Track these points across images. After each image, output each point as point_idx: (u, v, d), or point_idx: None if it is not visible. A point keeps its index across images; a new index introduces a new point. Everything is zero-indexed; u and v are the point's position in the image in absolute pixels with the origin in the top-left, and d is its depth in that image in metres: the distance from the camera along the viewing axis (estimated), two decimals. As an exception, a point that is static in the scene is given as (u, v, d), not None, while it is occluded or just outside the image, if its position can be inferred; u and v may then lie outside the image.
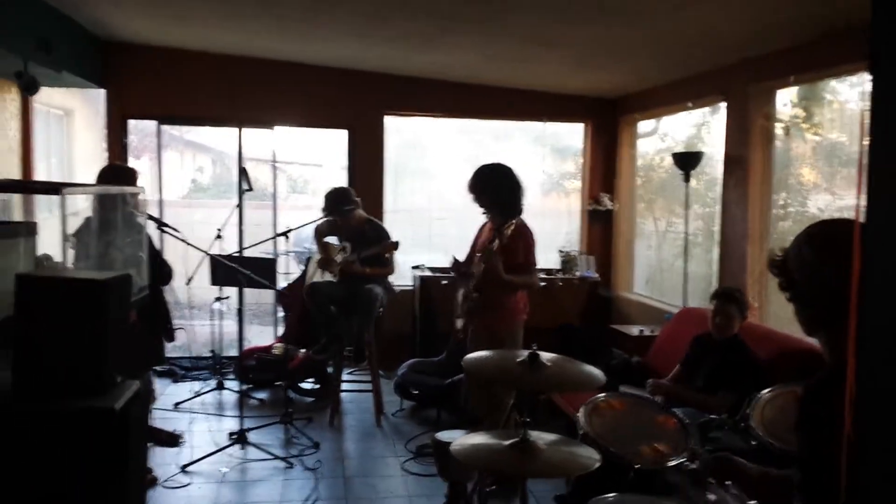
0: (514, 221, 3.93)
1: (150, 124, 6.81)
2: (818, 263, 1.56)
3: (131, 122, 6.57)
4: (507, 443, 2.27)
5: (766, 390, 2.82)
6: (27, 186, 3.70)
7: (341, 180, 6.63)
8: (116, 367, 2.10)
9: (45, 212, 4.95)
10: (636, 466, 2.61)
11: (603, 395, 2.97)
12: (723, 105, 5.26)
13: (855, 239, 0.97)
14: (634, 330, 5.72)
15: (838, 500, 1.06)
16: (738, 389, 3.56)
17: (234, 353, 6.04)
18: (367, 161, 6.69)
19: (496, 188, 4.08)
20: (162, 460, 4.44)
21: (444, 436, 3.80)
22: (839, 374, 1.43)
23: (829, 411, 1.50)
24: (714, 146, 5.58)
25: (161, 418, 5.09)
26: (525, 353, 2.57)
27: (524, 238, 4.03)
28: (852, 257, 0.98)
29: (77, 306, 1.99)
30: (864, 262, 0.96)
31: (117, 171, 4.43)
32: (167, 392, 5.85)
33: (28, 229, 2.49)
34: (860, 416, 1.04)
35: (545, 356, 2.58)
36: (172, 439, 4.70)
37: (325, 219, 5.35)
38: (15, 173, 5.61)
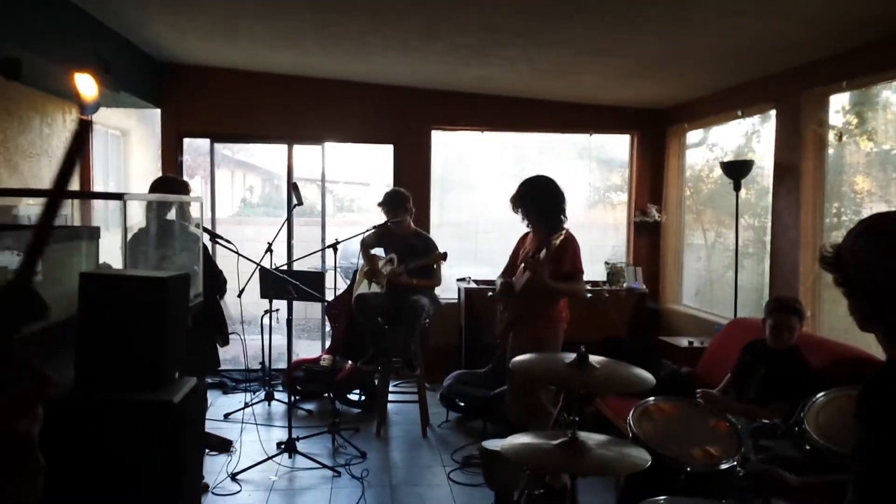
0: (562, 232, 3.96)
1: (204, 144, 7.00)
2: (875, 257, 1.55)
3: (185, 141, 6.76)
4: (556, 442, 2.27)
5: (820, 394, 2.76)
6: (90, 194, 3.83)
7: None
8: (175, 363, 2.16)
9: (103, 228, 5.13)
10: (687, 469, 2.58)
11: (653, 398, 2.94)
12: (773, 112, 5.20)
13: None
14: (683, 341, 5.64)
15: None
16: (791, 400, 3.48)
17: (283, 365, 6.13)
18: (413, 175, 6.76)
19: (540, 199, 4.14)
20: (212, 468, 4.51)
21: (490, 444, 3.80)
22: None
23: (889, 403, 1.48)
24: (764, 156, 5.50)
25: (212, 428, 5.17)
26: (573, 355, 2.57)
27: (570, 247, 4.06)
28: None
29: (137, 303, 2.06)
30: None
31: (170, 183, 4.55)
32: (217, 403, 5.96)
33: (90, 233, 2.58)
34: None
35: (593, 358, 2.57)
36: (224, 445, 4.79)
37: (372, 230, 5.43)
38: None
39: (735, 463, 2.57)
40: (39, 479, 0.60)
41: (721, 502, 2.41)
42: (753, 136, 5.93)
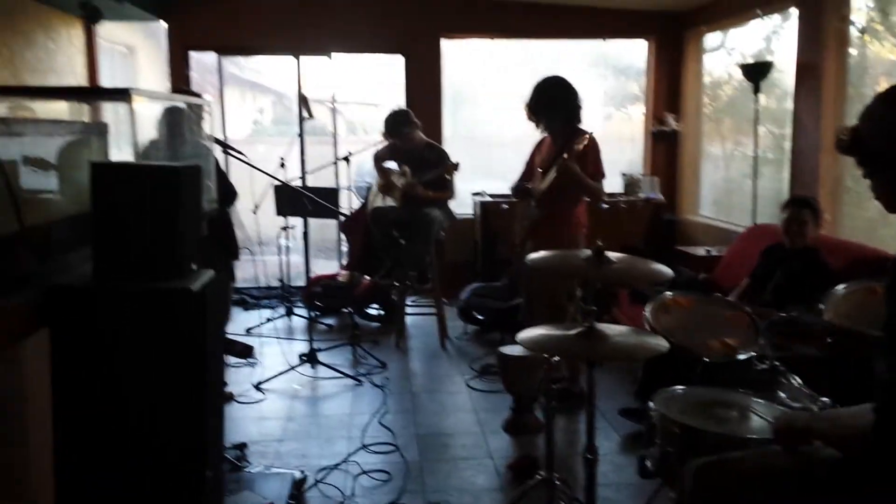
0: (587, 135, 3.90)
1: (212, 61, 6.89)
2: None
3: (193, 56, 6.65)
4: (574, 331, 2.27)
5: (841, 286, 2.73)
6: (94, 92, 3.77)
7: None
8: (192, 255, 2.15)
9: (113, 147, 5.08)
10: (704, 360, 2.59)
11: (670, 292, 2.94)
12: (794, 11, 5.01)
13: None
14: (700, 250, 5.61)
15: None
16: (809, 301, 3.45)
17: (301, 283, 6.19)
18: (424, 87, 6.64)
19: (556, 101, 4.06)
20: (236, 379, 4.60)
21: (508, 350, 3.85)
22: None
23: None
24: (784, 59, 5.33)
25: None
26: (590, 251, 2.54)
27: (593, 149, 4.02)
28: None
29: (150, 192, 2.03)
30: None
31: (183, 94, 4.49)
32: (239, 319, 6.04)
33: (100, 129, 2.56)
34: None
35: (611, 253, 2.55)
36: (246, 351, 4.87)
37: (384, 144, 5.37)
38: (83, 110, 5.76)
39: (753, 354, 2.57)
40: None
41: (738, 391, 2.42)
42: (773, 37, 5.74)
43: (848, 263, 3.74)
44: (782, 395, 2.52)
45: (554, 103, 4.03)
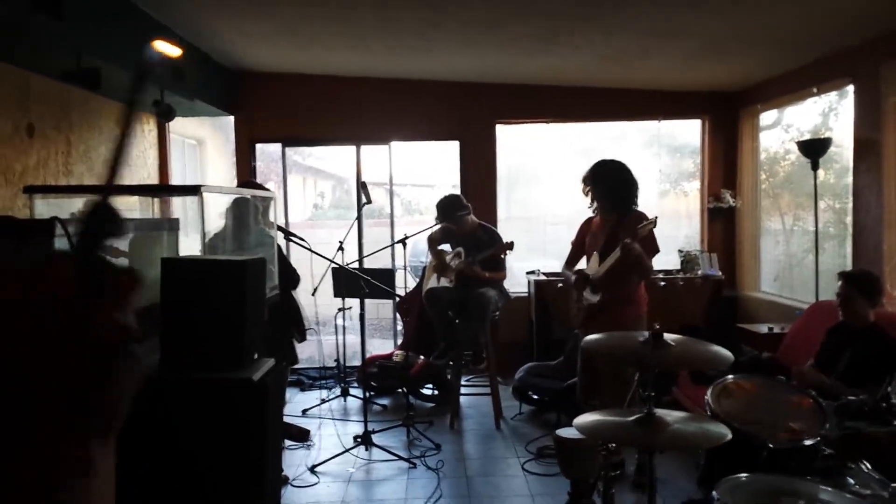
0: (651, 219, 3.90)
1: (276, 150, 7.18)
2: None
3: (258, 147, 6.95)
4: (632, 417, 2.23)
5: (911, 368, 2.63)
6: (167, 189, 3.98)
7: (454, 194, 6.74)
8: (254, 345, 2.22)
9: (181, 234, 5.31)
10: (769, 446, 2.50)
11: (732, 376, 2.86)
12: (850, 88, 5.00)
13: None
14: (763, 328, 5.47)
15: None
16: (878, 379, 3.33)
17: (357, 362, 6.23)
18: (478, 170, 6.78)
19: (610, 182, 4.10)
20: (291, 462, 4.61)
21: (565, 432, 3.76)
22: None
23: None
24: (842, 133, 5.29)
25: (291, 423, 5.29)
26: (647, 333, 2.52)
27: (652, 233, 4.00)
28: None
29: (217, 285, 2.13)
30: None
31: (253, 186, 4.70)
32: (295, 400, 6.09)
33: (171, 225, 2.69)
34: None
35: (669, 336, 2.52)
36: (302, 434, 4.89)
37: (439, 226, 5.46)
38: (156, 202, 6.07)
39: (819, 439, 2.48)
40: (138, 368, 0.64)
41: (805, 479, 2.32)
42: (831, 113, 5.71)
43: (919, 342, 3.60)
44: (851, 481, 2.41)
45: (607, 186, 4.08)
